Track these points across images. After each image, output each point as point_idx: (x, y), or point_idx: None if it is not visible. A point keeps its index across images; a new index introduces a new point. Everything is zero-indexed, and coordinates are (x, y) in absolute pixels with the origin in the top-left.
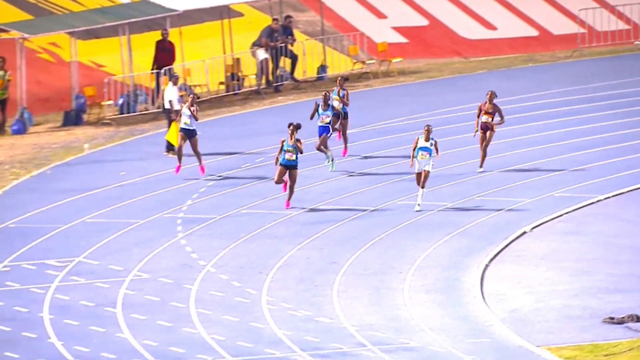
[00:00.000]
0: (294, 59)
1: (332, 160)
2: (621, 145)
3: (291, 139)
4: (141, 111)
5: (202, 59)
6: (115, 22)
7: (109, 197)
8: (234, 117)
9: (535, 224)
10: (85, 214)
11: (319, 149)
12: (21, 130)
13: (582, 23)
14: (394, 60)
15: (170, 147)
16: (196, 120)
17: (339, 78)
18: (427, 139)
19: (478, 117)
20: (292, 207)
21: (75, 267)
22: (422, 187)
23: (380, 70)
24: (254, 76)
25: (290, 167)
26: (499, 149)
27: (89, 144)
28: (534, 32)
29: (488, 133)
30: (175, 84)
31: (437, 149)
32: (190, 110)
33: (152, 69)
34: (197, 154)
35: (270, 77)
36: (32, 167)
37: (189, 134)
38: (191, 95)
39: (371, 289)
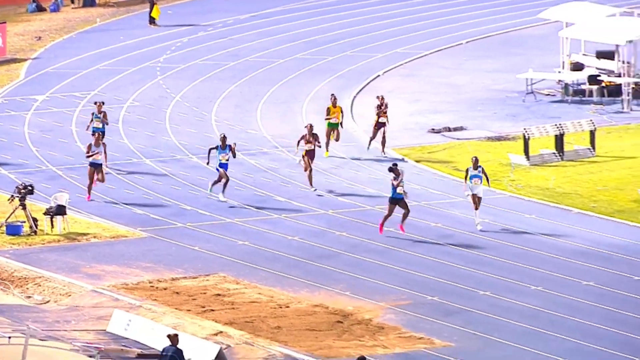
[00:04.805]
0: None
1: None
2: (439, 20)
3: (399, 177)
4: None
5: None
6: None
7: (112, 53)
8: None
9: (385, 69)
10: (98, 62)
11: (219, 181)
12: (56, 9)
13: None
14: None
15: (152, 21)
16: (105, 158)
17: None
18: (475, 168)
19: (297, 144)
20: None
21: (92, 97)
22: (477, 209)
23: None
24: None
25: (400, 200)
26: (350, 24)
27: (100, 19)
28: None
29: (307, 159)
30: None
31: (487, 177)
32: (100, 146)
33: None
34: (96, 181)
35: None
36: (64, 33)
37: (97, 167)
38: (96, 134)
39: (281, 111)
